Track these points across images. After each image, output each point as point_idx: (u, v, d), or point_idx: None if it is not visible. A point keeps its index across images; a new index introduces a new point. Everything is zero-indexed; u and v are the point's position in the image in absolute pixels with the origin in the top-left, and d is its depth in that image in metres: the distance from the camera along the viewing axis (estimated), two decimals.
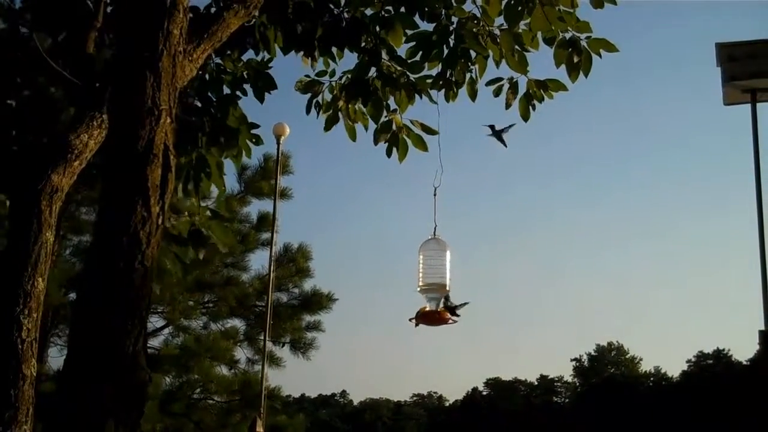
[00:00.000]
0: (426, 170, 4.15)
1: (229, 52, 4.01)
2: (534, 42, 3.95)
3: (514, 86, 4.16)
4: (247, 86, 4.21)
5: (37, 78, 3.95)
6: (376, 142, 4.37)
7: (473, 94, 4.29)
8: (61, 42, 3.67)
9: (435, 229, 3.97)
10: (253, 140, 4.22)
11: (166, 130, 2.54)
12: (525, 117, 4.17)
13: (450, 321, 3.88)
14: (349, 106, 4.37)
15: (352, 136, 4.44)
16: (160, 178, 2.50)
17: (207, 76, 4.08)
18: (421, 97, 4.25)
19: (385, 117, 4.34)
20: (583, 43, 3.88)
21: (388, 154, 4.37)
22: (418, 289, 3.94)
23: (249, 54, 4.15)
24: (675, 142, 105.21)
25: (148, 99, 2.52)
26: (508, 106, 4.15)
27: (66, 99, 3.71)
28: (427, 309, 3.90)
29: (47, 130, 3.80)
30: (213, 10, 3.46)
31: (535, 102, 4.16)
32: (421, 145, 4.33)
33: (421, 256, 3.97)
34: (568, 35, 3.88)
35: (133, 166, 2.47)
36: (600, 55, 3.88)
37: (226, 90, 4.16)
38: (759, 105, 6.95)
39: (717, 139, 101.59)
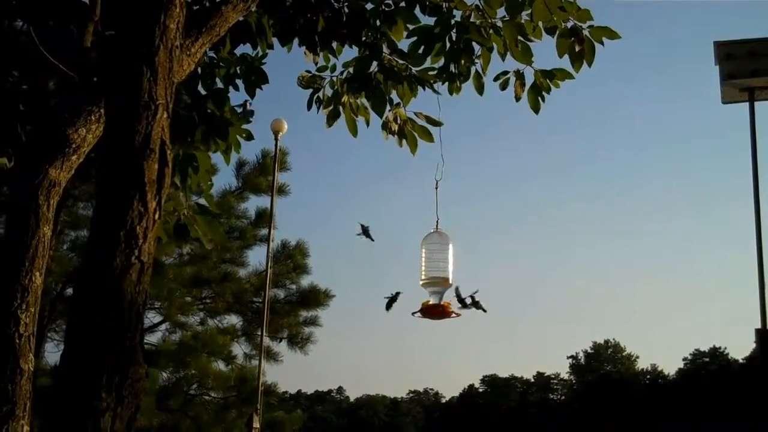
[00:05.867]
0: (428, 163, 4.14)
1: (222, 46, 4.00)
2: (537, 32, 3.93)
3: (520, 78, 4.14)
4: (238, 81, 4.20)
5: (33, 72, 3.93)
6: (386, 135, 4.38)
7: (480, 88, 4.27)
8: (58, 36, 3.66)
9: (437, 222, 3.94)
10: (244, 135, 4.20)
11: (162, 124, 2.53)
12: (535, 109, 4.16)
13: (453, 315, 3.86)
14: (352, 100, 4.36)
15: (354, 131, 4.43)
16: (156, 172, 2.50)
17: (199, 70, 4.06)
18: (424, 89, 4.24)
19: (389, 110, 4.34)
20: (585, 31, 3.85)
21: (400, 144, 4.39)
22: (421, 282, 3.91)
23: (242, 49, 4.14)
24: (673, 140, 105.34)
25: (145, 94, 2.51)
26: (517, 98, 4.13)
27: (63, 93, 3.70)
28: (431, 303, 3.87)
29: (45, 124, 3.79)
30: (207, 4, 3.46)
31: (544, 93, 4.14)
32: (427, 136, 4.33)
33: (423, 250, 3.94)
34: (569, 24, 3.86)
35: (129, 161, 2.47)
36: (602, 44, 3.86)
37: (218, 84, 4.15)
38: (757, 103, 6.94)
39: (715, 137, 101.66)
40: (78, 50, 3.56)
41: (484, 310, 3.89)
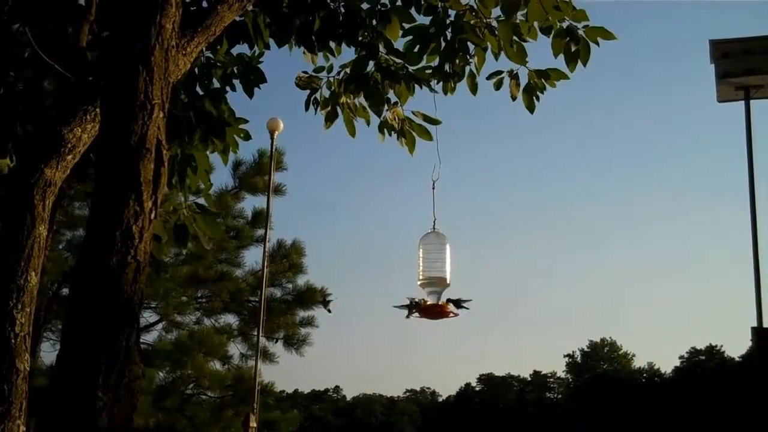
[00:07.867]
0: (423, 163, 4.14)
1: (219, 46, 4.00)
2: (532, 32, 3.93)
3: (515, 78, 4.15)
4: (235, 81, 4.20)
5: (29, 72, 3.93)
6: (382, 137, 4.38)
7: (474, 88, 4.28)
8: (54, 35, 3.66)
9: (434, 222, 3.95)
10: (242, 135, 4.20)
11: (158, 124, 2.54)
12: (530, 109, 4.17)
13: (451, 315, 3.86)
14: (350, 101, 4.37)
15: (352, 131, 4.43)
16: (152, 172, 2.50)
17: (196, 70, 4.06)
18: (421, 88, 4.25)
19: (387, 110, 4.34)
20: (581, 31, 3.85)
21: (400, 143, 4.40)
22: (419, 282, 3.92)
23: (238, 48, 4.14)
24: (669, 138, 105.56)
25: (141, 93, 2.52)
26: (513, 98, 4.14)
27: (58, 93, 3.70)
28: (428, 303, 3.87)
29: (40, 124, 3.79)
30: (204, 3, 3.46)
31: (539, 93, 4.15)
32: (425, 135, 4.34)
33: (420, 250, 3.94)
34: (565, 24, 3.86)
35: (125, 161, 2.47)
36: (598, 44, 3.86)
37: (215, 84, 4.15)
38: (752, 102, 6.95)
39: (710, 136, 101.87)
40: (74, 50, 3.56)
41: (466, 308, 3.91)
